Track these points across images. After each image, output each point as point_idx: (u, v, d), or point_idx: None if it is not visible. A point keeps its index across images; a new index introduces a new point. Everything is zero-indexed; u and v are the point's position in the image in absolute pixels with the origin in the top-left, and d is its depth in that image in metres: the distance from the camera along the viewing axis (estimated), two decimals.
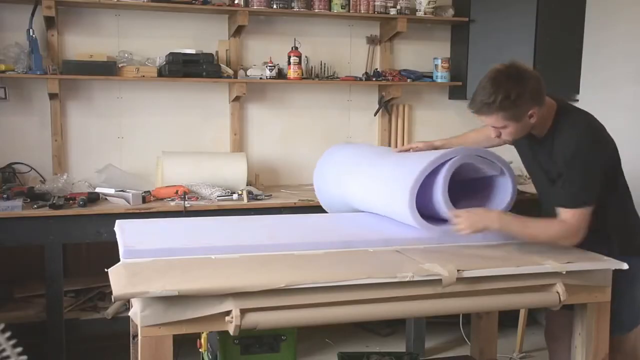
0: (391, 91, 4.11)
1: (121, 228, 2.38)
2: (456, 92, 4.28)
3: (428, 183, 2.32)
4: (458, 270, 1.98)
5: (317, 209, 3.07)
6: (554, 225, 2.21)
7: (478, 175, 2.48)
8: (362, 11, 3.97)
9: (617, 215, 2.33)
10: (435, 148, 2.57)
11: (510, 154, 4.63)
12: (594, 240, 2.24)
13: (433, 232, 2.30)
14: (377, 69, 4.15)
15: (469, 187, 2.51)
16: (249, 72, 3.88)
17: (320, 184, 2.97)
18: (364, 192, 2.62)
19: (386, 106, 4.19)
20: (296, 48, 3.86)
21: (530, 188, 3.88)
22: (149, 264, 2.01)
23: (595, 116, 2.31)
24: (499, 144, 2.51)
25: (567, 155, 2.18)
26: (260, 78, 3.86)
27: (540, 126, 2.26)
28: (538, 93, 2.17)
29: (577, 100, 4.09)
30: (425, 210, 2.33)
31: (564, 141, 2.20)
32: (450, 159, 2.31)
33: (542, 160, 2.32)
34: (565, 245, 2.21)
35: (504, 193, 2.45)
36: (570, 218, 2.17)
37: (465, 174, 2.43)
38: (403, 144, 4.10)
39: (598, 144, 2.20)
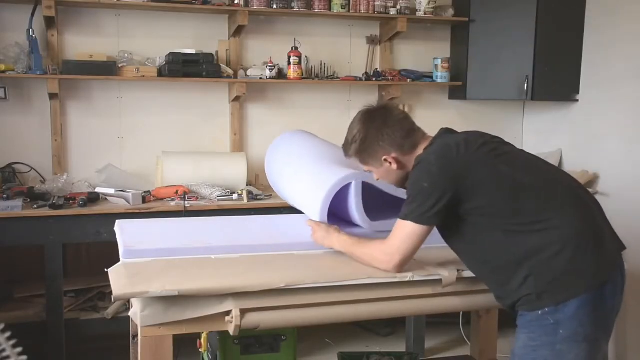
0: (391, 91, 4.10)
1: (121, 228, 2.38)
2: (456, 92, 4.28)
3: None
4: (458, 270, 1.98)
5: None
6: (375, 243, 1.99)
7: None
8: (362, 11, 3.97)
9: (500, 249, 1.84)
10: None
11: None
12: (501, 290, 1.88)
13: None
14: (377, 69, 4.15)
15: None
16: (249, 72, 3.88)
17: (268, 168, 2.89)
18: (290, 192, 2.61)
19: None
20: (296, 48, 3.86)
21: None
22: (149, 264, 2.01)
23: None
24: None
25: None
26: (260, 78, 3.86)
27: None
28: (386, 135, 1.98)
29: (577, 101, 4.09)
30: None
31: None
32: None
33: None
34: (384, 265, 1.93)
35: None
36: (393, 230, 1.92)
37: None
38: None
39: (429, 165, 1.86)
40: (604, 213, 1.93)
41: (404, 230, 1.88)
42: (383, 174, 2.06)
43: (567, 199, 1.85)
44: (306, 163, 2.54)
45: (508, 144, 2.04)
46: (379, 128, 1.99)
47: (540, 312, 1.77)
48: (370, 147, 2.00)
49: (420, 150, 1.98)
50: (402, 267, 1.93)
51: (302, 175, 2.49)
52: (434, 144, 1.96)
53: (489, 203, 1.82)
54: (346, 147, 2.08)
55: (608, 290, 1.79)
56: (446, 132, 2.01)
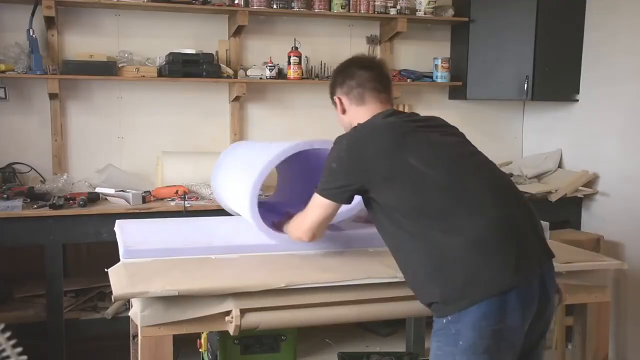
0: None
1: (121, 228, 2.38)
2: (456, 92, 4.28)
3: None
4: None
5: None
6: (296, 216, 2.09)
7: None
8: (362, 11, 3.97)
9: (402, 249, 1.84)
10: None
11: (511, 154, 4.60)
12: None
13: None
14: None
15: None
16: (249, 72, 3.88)
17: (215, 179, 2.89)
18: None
19: None
20: (296, 48, 3.86)
21: (530, 188, 3.90)
22: (149, 264, 2.01)
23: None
24: None
25: None
26: (260, 78, 3.86)
27: None
28: (346, 78, 2.05)
29: (577, 101, 4.09)
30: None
31: None
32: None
33: None
34: (295, 232, 2.03)
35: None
36: (309, 203, 1.98)
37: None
38: None
39: (340, 150, 1.89)
40: (534, 217, 1.83)
41: (314, 200, 1.95)
42: (338, 114, 2.14)
43: (479, 200, 1.75)
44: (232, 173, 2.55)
45: (443, 131, 1.96)
46: (352, 70, 2.06)
47: (444, 321, 1.71)
48: (334, 82, 2.10)
49: (366, 112, 2.01)
50: (309, 234, 1.98)
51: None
52: (362, 124, 1.96)
53: (394, 197, 1.79)
54: None
55: (513, 302, 1.67)
56: (382, 113, 1.98)
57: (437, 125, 2.00)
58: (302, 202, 2.05)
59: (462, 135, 2.01)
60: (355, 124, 2.00)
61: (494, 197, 1.77)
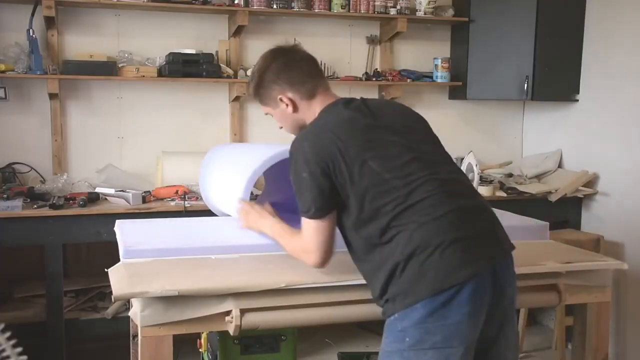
0: (391, 91, 4.10)
1: (121, 228, 2.38)
2: (456, 92, 4.28)
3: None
4: None
5: None
6: (297, 239, 1.88)
7: None
8: (362, 11, 3.97)
9: (362, 247, 1.80)
10: None
11: (511, 154, 4.60)
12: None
13: None
14: (377, 69, 4.15)
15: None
16: (249, 72, 3.87)
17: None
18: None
19: None
20: None
21: (530, 188, 3.90)
22: (149, 264, 2.01)
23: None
24: None
25: None
26: None
27: None
28: (284, 74, 1.90)
29: (577, 101, 4.09)
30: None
31: None
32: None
33: None
34: (309, 262, 1.84)
35: None
36: (302, 226, 1.83)
37: None
38: None
39: (305, 154, 1.76)
40: (489, 213, 1.82)
41: (309, 227, 1.79)
42: (279, 117, 1.96)
43: (431, 204, 1.71)
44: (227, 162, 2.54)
45: (402, 126, 1.87)
46: (279, 66, 1.91)
47: (392, 318, 1.71)
48: (268, 84, 1.91)
49: (317, 104, 1.89)
50: (324, 260, 1.82)
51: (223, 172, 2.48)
52: (316, 120, 1.86)
53: (354, 201, 1.74)
54: (248, 86, 2.03)
55: (459, 297, 1.65)
56: (334, 106, 1.87)
57: (394, 114, 1.91)
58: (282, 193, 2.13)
59: (419, 121, 1.96)
60: (308, 121, 1.90)
61: (446, 197, 1.74)
